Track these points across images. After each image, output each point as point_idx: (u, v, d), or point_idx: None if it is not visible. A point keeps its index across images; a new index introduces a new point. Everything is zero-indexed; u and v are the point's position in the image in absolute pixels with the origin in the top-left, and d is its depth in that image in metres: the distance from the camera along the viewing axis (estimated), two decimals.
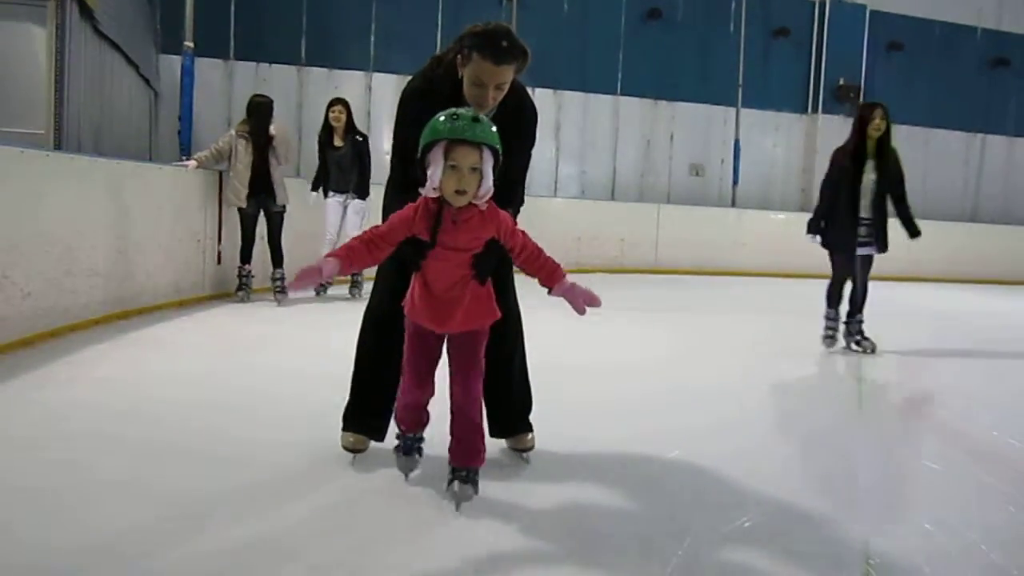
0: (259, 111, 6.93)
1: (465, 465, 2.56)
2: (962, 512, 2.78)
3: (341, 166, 7.26)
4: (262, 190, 6.82)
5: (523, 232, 2.50)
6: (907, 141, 14.12)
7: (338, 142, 7.24)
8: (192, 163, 6.82)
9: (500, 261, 2.66)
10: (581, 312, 2.47)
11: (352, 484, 2.75)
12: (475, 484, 2.56)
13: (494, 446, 2.97)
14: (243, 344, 5.38)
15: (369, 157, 7.35)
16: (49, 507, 2.46)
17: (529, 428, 3.09)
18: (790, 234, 12.54)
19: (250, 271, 6.99)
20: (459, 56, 2.66)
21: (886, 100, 13.99)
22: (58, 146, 5.95)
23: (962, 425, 4.07)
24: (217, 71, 11.11)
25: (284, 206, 6.98)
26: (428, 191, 2.34)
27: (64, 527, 2.33)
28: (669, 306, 8.63)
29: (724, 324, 7.51)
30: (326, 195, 7.39)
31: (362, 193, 7.29)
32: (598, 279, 9.04)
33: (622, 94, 12.94)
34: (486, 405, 2.93)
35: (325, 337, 5.45)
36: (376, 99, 11.89)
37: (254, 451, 3.04)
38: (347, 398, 3.01)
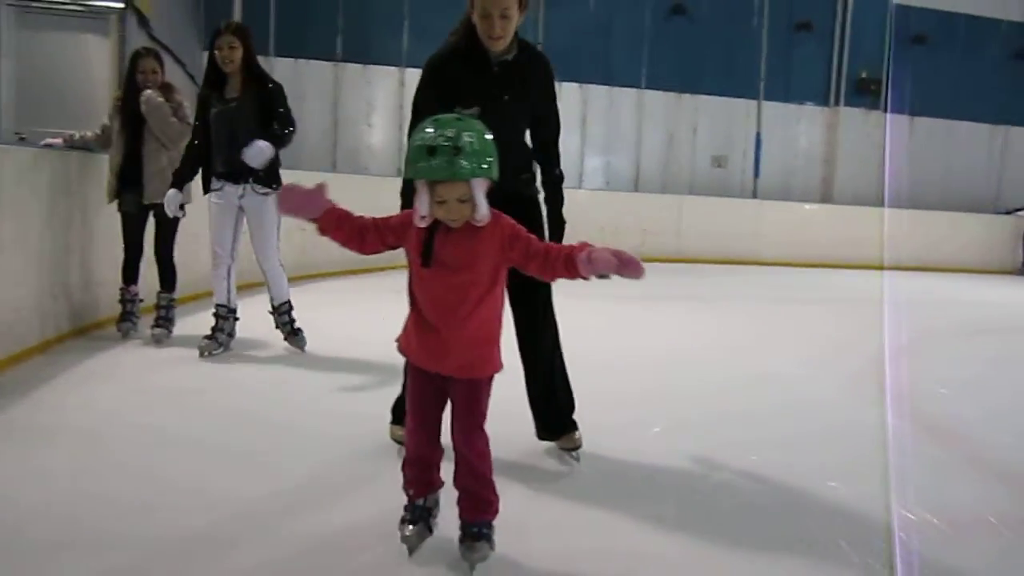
0: (130, 69, 4.92)
1: (475, 520, 2.26)
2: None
3: (234, 133, 4.45)
4: (138, 183, 4.83)
5: (525, 233, 2.19)
6: (929, 133, 14.39)
7: (231, 92, 4.56)
8: (58, 140, 4.98)
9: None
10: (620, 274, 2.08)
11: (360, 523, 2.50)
12: (490, 540, 2.25)
13: (533, 453, 3.16)
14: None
15: (289, 116, 4.59)
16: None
17: (575, 427, 3.16)
18: (809, 225, 12.94)
19: (136, 295, 5.05)
20: (469, 5, 2.86)
21: (908, 93, 14.29)
22: None
23: (940, 410, 4.44)
24: None
25: (180, 206, 4.69)
26: (417, 220, 2.09)
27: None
28: (687, 294, 9.01)
29: (742, 312, 7.91)
30: (206, 188, 4.67)
31: (270, 180, 4.59)
32: None
33: (646, 88, 13.29)
34: (532, 409, 3.19)
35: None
36: (409, 94, 12.27)
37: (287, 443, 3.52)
38: (399, 391, 3.03)
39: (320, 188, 2.15)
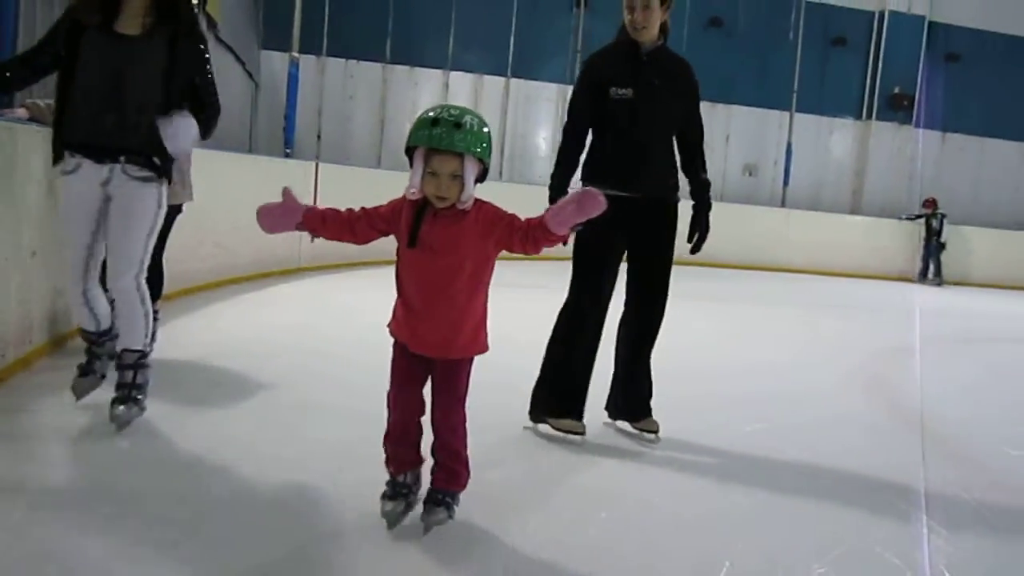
0: None
1: (441, 488, 2.39)
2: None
3: (121, 87, 2.87)
4: None
5: (506, 213, 2.26)
6: (961, 150, 14.59)
7: (127, 26, 2.90)
8: (22, 111, 3.70)
9: (662, 254, 3.29)
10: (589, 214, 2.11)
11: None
12: (449, 508, 2.38)
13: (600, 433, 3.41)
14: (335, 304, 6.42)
15: (214, 90, 3.06)
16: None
17: (651, 412, 3.43)
18: (836, 234, 13.22)
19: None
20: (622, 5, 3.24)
21: (941, 109, 14.47)
22: None
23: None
24: (311, 67, 12.28)
25: (179, 205, 3.88)
26: (407, 193, 2.21)
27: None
28: (710, 296, 9.41)
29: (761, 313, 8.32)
30: (57, 158, 2.97)
31: (154, 161, 2.97)
32: None
33: None
34: (622, 391, 3.45)
35: None
36: (452, 96, 12.92)
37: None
38: (534, 391, 3.35)
39: (286, 194, 2.22)
